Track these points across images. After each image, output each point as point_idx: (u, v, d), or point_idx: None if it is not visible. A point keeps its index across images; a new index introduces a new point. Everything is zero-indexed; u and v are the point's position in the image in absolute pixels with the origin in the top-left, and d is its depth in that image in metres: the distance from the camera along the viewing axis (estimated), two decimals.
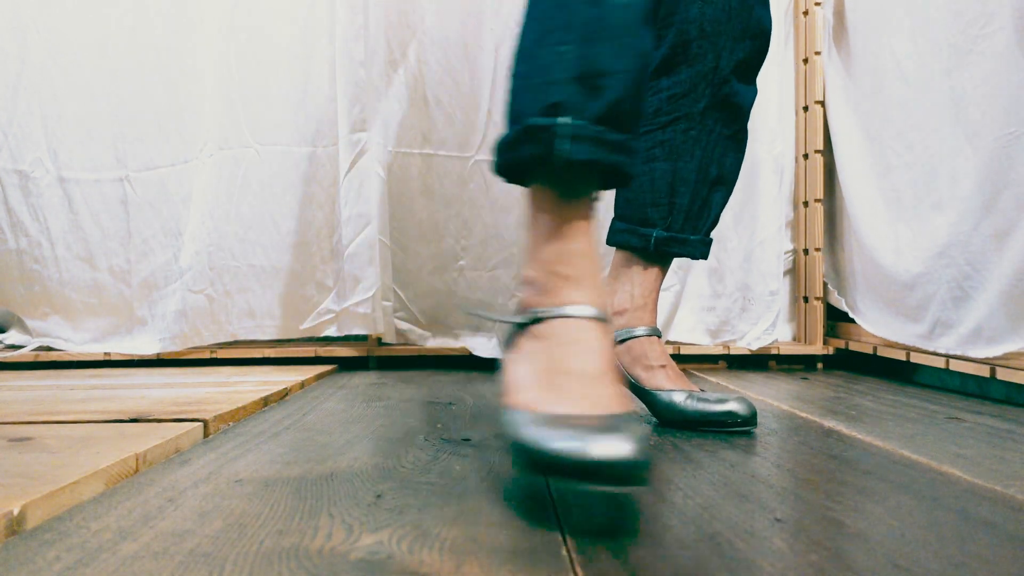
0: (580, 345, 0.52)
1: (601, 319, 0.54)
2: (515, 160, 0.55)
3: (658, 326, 1.38)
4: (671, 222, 0.82)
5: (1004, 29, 0.95)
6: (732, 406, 0.75)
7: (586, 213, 0.56)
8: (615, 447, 0.41)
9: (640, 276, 0.82)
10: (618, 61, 0.54)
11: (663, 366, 0.79)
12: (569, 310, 0.53)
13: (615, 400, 0.49)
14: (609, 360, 0.52)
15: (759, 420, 0.81)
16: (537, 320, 0.54)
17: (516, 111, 0.56)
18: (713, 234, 1.39)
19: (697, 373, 1.32)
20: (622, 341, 0.81)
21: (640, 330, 0.81)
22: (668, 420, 0.77)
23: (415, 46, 1.35)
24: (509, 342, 0.57)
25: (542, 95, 0.53)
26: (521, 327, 0.56)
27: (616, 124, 0.54)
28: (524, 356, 0.54)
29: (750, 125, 1.38)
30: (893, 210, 1.19)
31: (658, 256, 0.83)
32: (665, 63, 0.81)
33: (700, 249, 0.84)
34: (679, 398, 0.77)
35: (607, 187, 0.57)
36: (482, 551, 0.40)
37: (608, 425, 0.44)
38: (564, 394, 0.49)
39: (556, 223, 0.55)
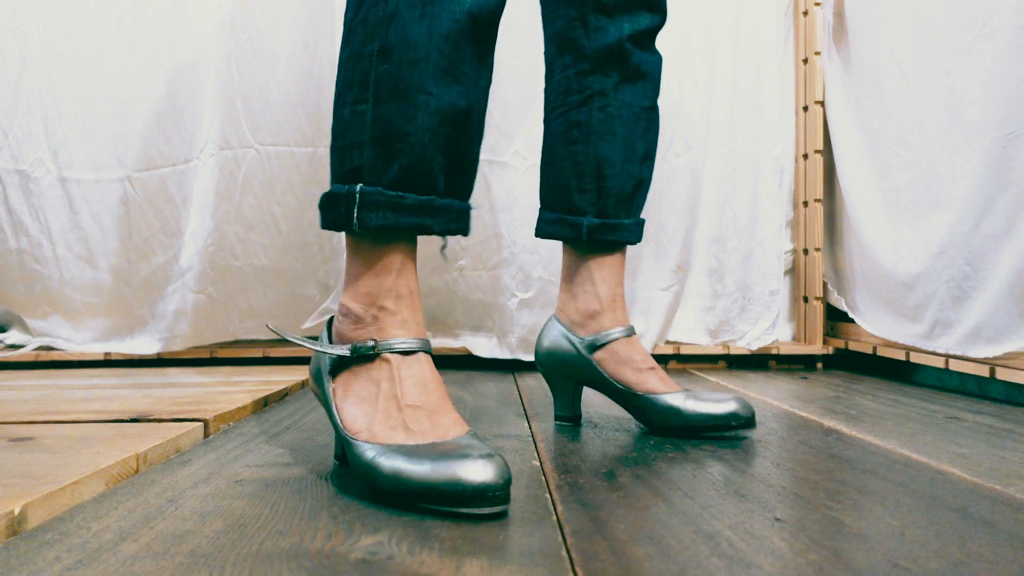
0: (413, 379, 0.54)
1: (426, 350, 0.56)
2: (325, 223, 0.56)
3: (658, 326, 1.37)
4: (602, 207, 0.76)
5: (1004, 29, 0.95)
6: (733, 406, 0.71)
7: (407, 250, 0.57)
8: (482, 470, 0.46)
9: (601, 272, 0.76)
10: (410, 123, 0.53)
11: (651, 368, 0.74)
12: (398, 344, 0.55)
13: (458, 426, 0.53)
14: (440, 389, 0.55)
15: (759, 420, 0.81)
16: (366, 355, 0.55)
17: (331, 173, 0.57)
18: (713, 234, 1.40)
19: (697, 373, 1.32)
20: (602, 345, 0.75)
21: (617, 331, 0.75)
22: (664, 426, 0.72)
23: None
24: (333, 372, 0.57)
25: (345, 158, 0.55)
26: (347, 360, 0.56)
27: (415, 187, 0.54)
28: (359, 392, 0.55)
29: (751, 124, 1.39)
30: (893, 210, 1.19)
31: (595, 245, 0.77)
32: (564, 37, 0.77)
33: (635, 232, 0.78)
34: (677, 401, 0.71)
35: (420, 235, 0.57)
36: (482, 551, 0.40)
37: (465, 451, 0.47)
38: (415, 426, 0.51)
39: (376, 261, 0.56)
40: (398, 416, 0.52)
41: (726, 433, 0.72)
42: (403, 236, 0.56)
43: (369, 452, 0.50)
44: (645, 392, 0.73)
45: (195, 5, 1.33)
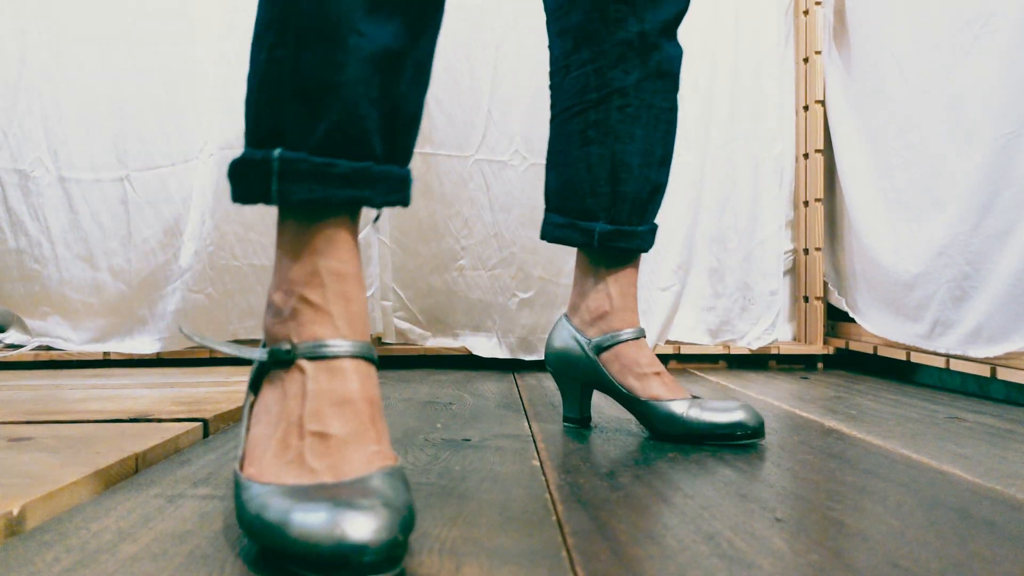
0: (330, 397, 0.42)
1: (360, 356, 0.44)
2: (236, 195, 0.46)
3: (658, 326, 1.37)
4: (615, 213, 0.73)
5: (1004, 28, 0.95)
6: (740, 416, 0.68)
7: (339, 223, 0.46)
8: (360, 525, 0.33)
9: (614, 273, 0.74)
10: (337, 71, 0.42)
11: (657, 373, 0.72)
12: (312, 348, 0.43)
13: (371, 461, 0.40)
14: (366, 411, 0.43)
15: None
16: (282, 360, 0.44)
17: (245, 133, 0.46)
18: (713, 234, 1.40)
19: (697, 373, 1.32)
20: (608, 347, 0.73)
21: (626, 333, 0.73)
22: (666, 433, 0.70)
23: None
24: (254, 384, 0.46)
25: (265, 116, 0.45)
26: (265, 367, 0.45)
27: (348, 151, 0.43)
28: (268, 410, 0.44)
29: (751, 124, 1.39)
30: (893, 210, 1.19)
31: (607, 252, 0.74)
32: (583, 30, 0.72)
33: (648, 240, 0.75)
34: (680, 408, 0.69)
35: (356, 211, 0.47)
36: (482, 552, 0.40)
37: (353, 497, 0.35)
38: (314, 462, 0.40)
39: (299, 237, 0.45)
40: (297, 446, 0.40)
41: (730, 442, 0.69)
42: (334, 211, 0.45)
43: (244, 492, 0.39)
44: (647, 398, 0.71)
45: (195, 5, 1.33)
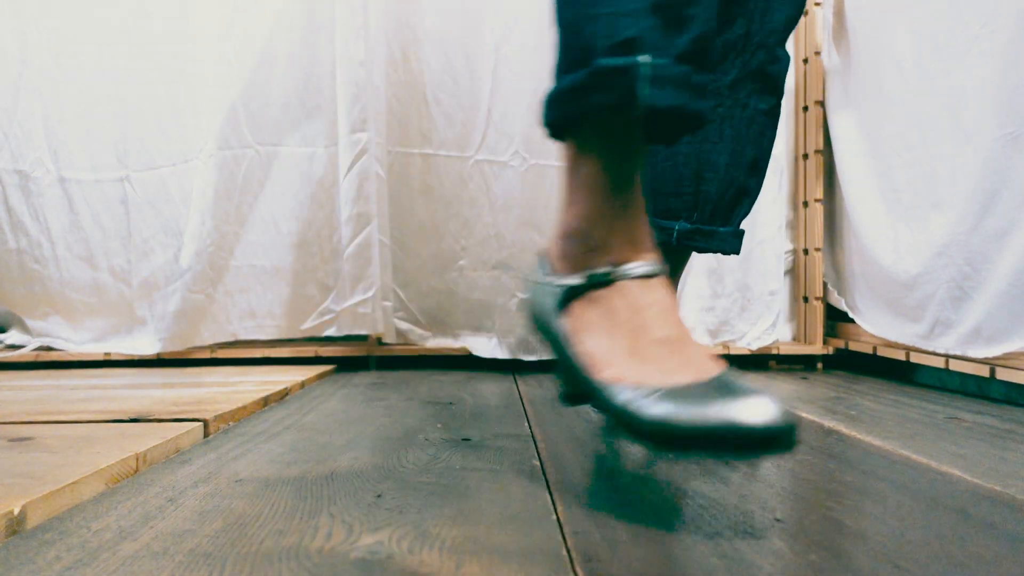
0: (656, 307, 0.49)
1: (664, 274, 0.51)
2: (580, 111, 0.48)
3: None
4: (697, 213, 0.72)
5: (1004, 28, 0.95)
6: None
7: (639, 161, 0.51)
8: (764, 410, 0.40)
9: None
10: None
11: None
12: (637, 268, 0.50)
13: (714, 361, 0.46)
14: (680, 316, 0.50)
15: None
16: (602, 282, 0.50)
17: (579, 49, 0.47)
18: None
19: None
20: None
21: None
22: None
23: (415, 46, 1.35)
24: (561, 306, 0.52)
25: (611, 29, 0.46)
26: (580, 290, 0.51)
27: (701, 63, 0.47)
28: (598, 325, 0.50)
29: None
30: (893, 210, 1.19)
31: (680, 250, 0.74)
32: None
33: (731, 243, 0.74)
34: None
35: (675, 140, 0.51)
36: (482, 551, 0.40)
37: (736, 388, 0.42)
38: (668, 363, 0.46)
39: (612, 175, 0.49)
40: (648, 351, 0.47)
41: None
42: (663, 135, 0.50)
43: (623, 394, 0.45)
44: None
45: (195, 5, 1.33)
